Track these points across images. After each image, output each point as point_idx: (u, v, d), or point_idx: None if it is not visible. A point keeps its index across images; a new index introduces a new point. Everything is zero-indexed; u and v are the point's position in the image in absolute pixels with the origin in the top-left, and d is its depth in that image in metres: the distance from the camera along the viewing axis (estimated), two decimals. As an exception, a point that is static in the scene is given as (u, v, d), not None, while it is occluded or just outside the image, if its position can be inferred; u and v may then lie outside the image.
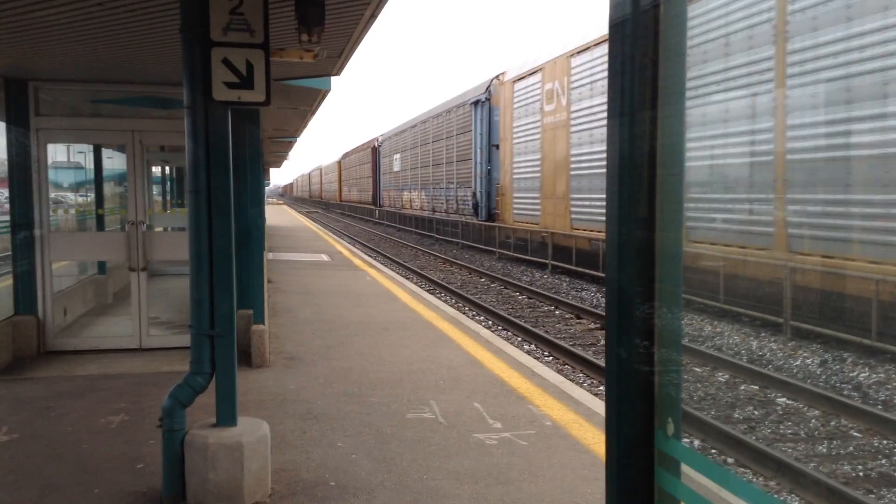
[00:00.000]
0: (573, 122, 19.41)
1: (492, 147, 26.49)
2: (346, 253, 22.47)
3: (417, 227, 37.97)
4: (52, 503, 4.59)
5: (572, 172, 19.49)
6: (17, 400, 6.68)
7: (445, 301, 15.27)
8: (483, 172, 27.06)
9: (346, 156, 67.69)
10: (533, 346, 11.58)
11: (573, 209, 19.54)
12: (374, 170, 52.17)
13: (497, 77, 26.11)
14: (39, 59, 7.11)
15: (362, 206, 57.14)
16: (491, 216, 26.70)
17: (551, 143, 20.84)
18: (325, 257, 20.90)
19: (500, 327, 13.07)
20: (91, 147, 10.78)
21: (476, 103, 27.73)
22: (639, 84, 1.82)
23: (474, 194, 27.75)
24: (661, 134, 1.80)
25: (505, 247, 24.78)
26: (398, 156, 43.63)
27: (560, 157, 20.24)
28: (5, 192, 8.34)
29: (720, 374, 8.82)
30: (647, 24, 1.79)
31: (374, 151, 51.60)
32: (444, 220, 32.97)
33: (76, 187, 11.86)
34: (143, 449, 5.48)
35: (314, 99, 10.22)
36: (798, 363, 8.92)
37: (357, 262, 19.76)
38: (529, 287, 17.49)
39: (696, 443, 6.85)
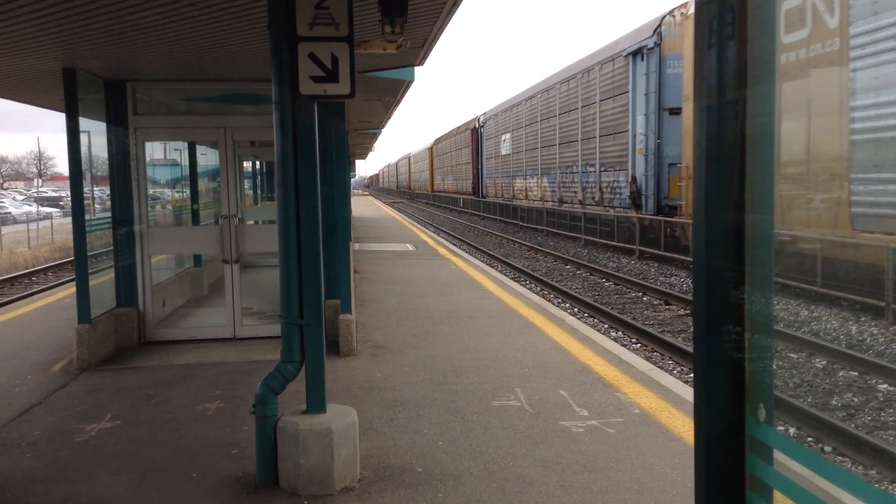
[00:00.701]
0: (855, 55, 9.71)
1: (662, 112, 19.62)
2: (430, 242, 22.62)
3: (538, 224, 30.44)
4: (152, 486, 4.80)
5: (855, 138, 9.67)
6: (119, 388, 7.00)
7: (530, 289, 15.22)
8: (650, 147, 19.86)
9: (438, 141, 62.18)
10: (620, 333, 11.43)
11: (857, 199, 9.84)
12: (474, 155, 45.39)
13: (673, 12, 18.90)
14: (136, 60, 7.41)
15: (457, 197, 51.38)
16: (661, 208, 19.85)
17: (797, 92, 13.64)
18: (410, 247, 21.09)
19: (585, 314, 12.95)
20: (186, 144, 11.18)
21: (635, 54, 20.34)
22: (726, 64, 1.78)
23: (633, 179, 20.62)
24: (751, 114, 1.76)
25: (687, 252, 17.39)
26: (507, 136, 36.52)
27: (821, 112, 10.61)
28: (106, 190, 8.70)
29: (817, 360, 8.52)
30: (735, 3, 1.75)
31: (475, 133, 44.82)
32: (578, 215, 25.59)
33: (172, 183, 12.32)
34: (237, 435, 5.68)
35: (398, 90, 10.31)
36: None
37: (442, 251, 19.87)
38: (616, 273, 17.25)
39: (792, 431, 6.64)
